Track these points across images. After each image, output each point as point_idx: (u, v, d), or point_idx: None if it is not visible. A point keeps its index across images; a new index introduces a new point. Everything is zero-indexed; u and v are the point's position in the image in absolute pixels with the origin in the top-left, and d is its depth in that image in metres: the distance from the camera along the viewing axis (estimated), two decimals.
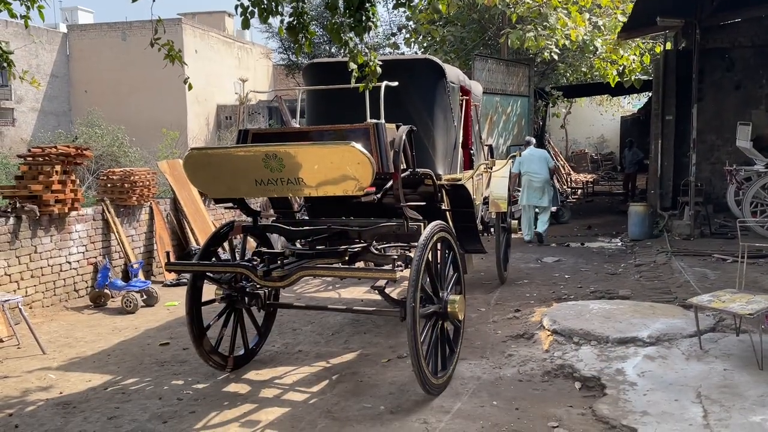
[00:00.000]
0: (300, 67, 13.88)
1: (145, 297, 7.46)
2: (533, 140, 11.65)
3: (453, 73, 6.16)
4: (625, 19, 12.65)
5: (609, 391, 4.43)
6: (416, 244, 5.46)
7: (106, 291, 7.59)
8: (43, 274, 7.32)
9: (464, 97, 6.55)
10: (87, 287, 7.88)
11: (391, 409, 4.52)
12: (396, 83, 4.96)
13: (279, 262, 4.65)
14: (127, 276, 8.19)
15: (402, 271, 4.45)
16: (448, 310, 4.69)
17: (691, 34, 12.74)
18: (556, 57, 12.82)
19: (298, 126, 5.25)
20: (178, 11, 30.80)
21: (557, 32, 12.43)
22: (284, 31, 5.02)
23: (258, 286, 5.33)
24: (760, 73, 12.81)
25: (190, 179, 4.76)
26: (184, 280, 8.68)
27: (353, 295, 7.87)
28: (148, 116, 29.50)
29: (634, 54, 13.37)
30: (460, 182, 5.76)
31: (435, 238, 4.59)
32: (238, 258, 5.30)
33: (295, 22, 5.00)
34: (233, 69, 34.47)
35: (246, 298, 5.22)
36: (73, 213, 7.66)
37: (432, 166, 5.59)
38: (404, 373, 5.19)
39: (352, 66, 4.70)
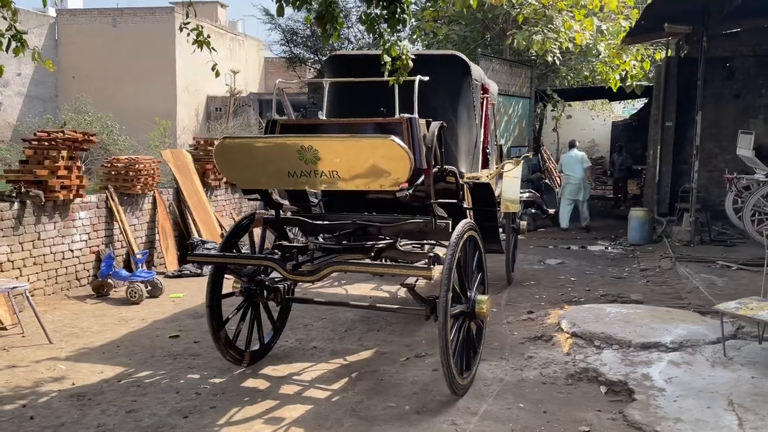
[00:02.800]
0: (302, 60, 13.85)
1: (149, 288, 7.30)
2: (576, 143, 12.94)
3: (476, 70, 6.10)
4: (628, 24, 12.68)
5: (638, 396, 4.39)
6: (434, 242, 5.45)
7: (109, 281, 7.43)
8: (45, 262, 7.14)
9: (484, 95, 6.49)
10: (89, 276, 7.71)
11: (416, 409, 4.45)
12: (427, 78, 4.87)
13: (308, 256, 4.55)
14: (128, 265, 8.04)
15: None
16: (476, 310, 4.62)
17: (696, 41, 12.85)
18: (558, 61, 12.80)
19: (324, 118, 5.14)
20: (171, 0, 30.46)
21: (561, 35, 12.40)
22: (312, 20, 4.92)
23: (276, 280, 5.25)
24: (760, 83, 12.91)
25: (219, 168, 4.64)
26: (187, 272, 8.56)
27: (359, 291, 7.78)
28: (137, 105, 29.07)
29: (636, 59, 13.39)
30: (484, 181, 5.69)
31: (465, 237, 4.52)
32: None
33: (324, 12, 4.91)
34: (225, 60, 34.09)
35: (265, 292, 5.12)
36: (77, 200, 7.49)
37: (455, 163, 5.52)
38: (425, 373, 5.13)
39: (386, 59, 4.61)
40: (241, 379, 5.02)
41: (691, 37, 12.93)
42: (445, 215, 4.94)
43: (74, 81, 31.29)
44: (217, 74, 4.95)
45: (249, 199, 5.39)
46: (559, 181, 14.93)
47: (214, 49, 4.97)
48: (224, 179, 10.15)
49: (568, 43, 12.46)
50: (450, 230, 4.69)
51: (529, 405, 4.49)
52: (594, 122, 27.26)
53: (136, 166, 8.17)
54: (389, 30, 4.53)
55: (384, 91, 5.06)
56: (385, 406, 4.51)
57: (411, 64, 4.74)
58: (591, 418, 4.26)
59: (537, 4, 12.04)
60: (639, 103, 22.03)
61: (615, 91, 13.00)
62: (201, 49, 4.93)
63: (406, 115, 4.50)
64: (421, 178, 4.51)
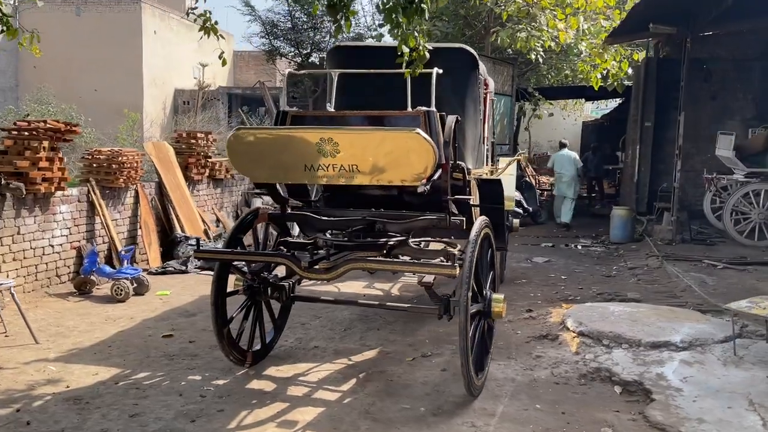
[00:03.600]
0: (281, 53, 13.58)
1: (135, 285, 7.02)
2: (567, 143, 13.54)
3: (482, 65, 5.99)
4: (609, 24, 12.76)
5: (656, 396, 4.34)
6: (441, 239, 5.34)
7: (92, 277, 7.11)
8: (25, 258, 6.80)
9: (487, 90, 6.40)
10: (70, 273, 7.39)
11: (432, 411, 4.32)
12: (441, 71, 4.74)
13: (324, 253, 4.38)
14: (110, 262, 7.73)
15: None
16: (492, 309, 4.52)
17: (675, 43, 13.01)
18: (541, 59, 12.81)
19: (332, 110, 4.96)
20: None
21: (544, 33, 12.40)
22: (325, 8, 4.74)
23: (280, 277, 5.07)
24: (736, 86, 13.11)
25: (231, 160, 4.44)
26: (171, 269, 8.30)
27: (352, 289, 7.62)
28: (102, 96, 28.24)
29: (615, 59, 13.47)
30: (495, 178, 5.59)
31: (482, 235, 4.41)
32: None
33: (335, 0, 4.74)
34: (193, 53, 33.46)
35: (269, 290, 4.93)
36: (59, 193, 7.16)
37: (462, 159, 5.40)
38: (434, 373, 5.01)
39: (404, 50, 4.46)
40: (246, 380, 4.82)
41: (670, 39, 13.09)
42: (456, 212, 4.83)
43: (36, 71, 30.26)
44: (224, 63, 4.76)
45: (257, 194, 5.19)
46: (537, 180, 15.01)
47: (222, 36, 4.75)
48: (207, 173, 9.87)
49: (551, 41, 12.48)
50: (464, 227, 4.58)
51: (545, 406, 4.41)
52: (565, 122, 27.54)
53: (120, 158, 7.86)
54: (407, 20, 4.37)
55: (393, 83, 4.93)
56: (399, 407, 4.38)
57: (427, 55, 4.61)
58: (611, 419, 4.20)
59: (521, 1, 12.01)
60: (613, 104, 22.24)
61: (597, 89, 13.06)
62: (208, 36, 4.70)
63: (424, 109, 4.37)
64: (438, 173, 4.38)
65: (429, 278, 4.31)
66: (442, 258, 4.57)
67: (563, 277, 8.53)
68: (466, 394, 4.56)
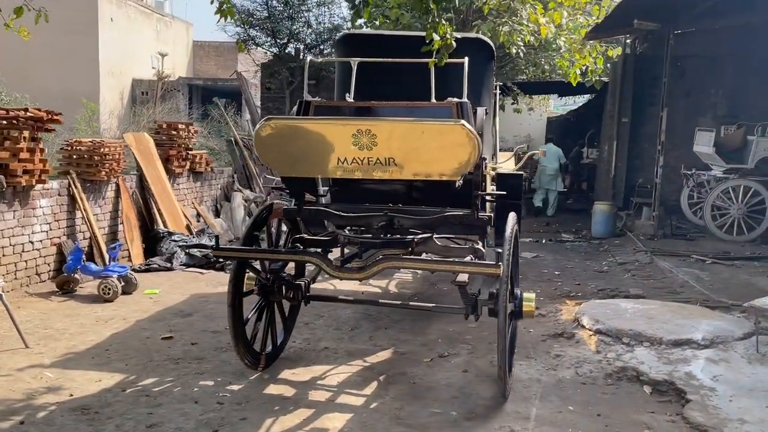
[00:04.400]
0: (256, 42, 13.19)
1: (123, 284, 6.65)
2: (552, 137, 14.40)
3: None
4: (586, 20, 12.78)
5: (692, 397, 4.26)
6: (460, 236, 5.18)
7: (76, 276, 6.71)
8: (4, 255, 6.38)
9: (496, 83, 6.25)
10: (50, 271, 6.97)
11: (465, 416, 4.15)
12: (466, 60, 4.57)
13: (354, 251, 4.16)
14: (91, 259, 7.32)
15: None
16: (524, 308, 4.37)
17: (654, 39, 13.14)
18: (521, 53, 12.73)
19: (352, 100, 4.72)
20: None
21: (524, 28, 12.33)
22: None
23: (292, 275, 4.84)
24: (708, 83, 13.30)
25: (258, 151, 4.14)
26: (155, 266, 7.95)
27: (348, 286, 7.38)
28: (57, 87, 27.02)
29: (591, 56, 13.51)
30: (516, 172, 5.45)
31: (515, 232, 4.26)
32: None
33: None
34: (151, 42, 32.48)
35: (284, 290, 4.69)
36: (39, 186, 6.74)
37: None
38: (455, 375, 4.84)
39: (435, 38, 4.26)
40: (261, 384, 4.57)
41: (648, 36, 13.22)
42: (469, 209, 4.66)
43: None
44: (241, 48, 4.47)
45: (273, 189, 4.91)
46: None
47: (235, 23, 4.45)
48: (187, 166, 9.49)
49: (530, 36, 12.41)
50: (492, 224, 4.43)
51: (578, 407, 4.29)
52: (530, 117, 27.73)
53: (102, 149, 7.45)
54: (437, 6, 4.17)
55: (409, 73, 4.73)
56: (429, 412, 4.19)
57: (454, 44, 4.42)
58: (648, 420, 4.09)
59: None
60: (581, 100, 22.43)
61: (575, 85, 13.07)
62: (225, 20, 4.41)
63: (455, 100, 4.18)
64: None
65: (463, 277, 4.13)
66: (471, 256, 4.39)
67: (557, 273, 8.48)
68: (493, 396, 4.43)
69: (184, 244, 8.19)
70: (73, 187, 7.20)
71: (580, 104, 22.60)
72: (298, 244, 4.67)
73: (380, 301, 5.33)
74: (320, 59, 5.36)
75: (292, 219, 4.96)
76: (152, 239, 8.38)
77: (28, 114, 6.38)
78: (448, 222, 4.57)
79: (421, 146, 3.74)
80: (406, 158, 3.80)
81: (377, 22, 14.13)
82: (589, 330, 5.49)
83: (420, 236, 4.47)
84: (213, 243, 8.61)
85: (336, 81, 5.45)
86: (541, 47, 13.71)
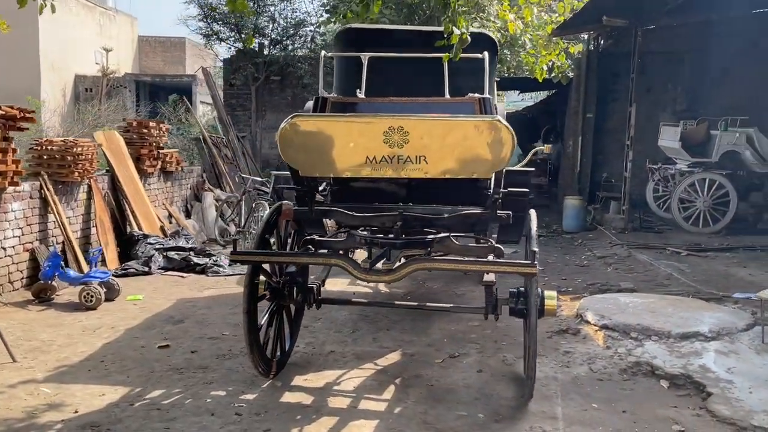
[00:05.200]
0: (220, 37, 12.82)
1: (105, 290, 6.33)
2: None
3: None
4: (549, 17, 12.91)
5: (712, 390, 4.29)
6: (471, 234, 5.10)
7: (53, 283, 6.35)
8: None
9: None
10: (23, 278, 6.57)
11: (492, 417, 4.08)
12: (480, 56, 4.49)
13: (384, 252, 4.02)
14: (66, 265, 6.94)
15: None
16: (546, 306, 4.32)
17: (617, 36, 13.38)
18: None
19: (363, 96, 4.57)
20: None
21: (492, 25, 12.36)
22: None
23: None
24: (667, 78, 13.64)
25: (283, 151, 3.93)
26: (132, 270, 7.62)
27: (336, 287, 7.21)
28: None
29: (556, 52, 13.67)
30: (524, 169, 5.39)
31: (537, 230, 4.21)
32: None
33: None
34: (94, 36, 31.31)
35: (295, 293, 4.52)
36: (10, 188, 6.34)
37: None
38: (471, 375, 4.77)
39: (456, 31, 4.16)
40: (275, 393, 4.39)
41: (612, 32, 13.44)
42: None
43: None
44: (251, 42, 4.25)
45: (286, 188, 4.72)
46: None
47: (246, 13, 4.25)
48: (159, 166, 9.13)
49: (497, 33, 12.45)
50: (510, 221, 4.37)
51: (602, 405, 4.27)
52: None
53: (75, 149, 7.06)
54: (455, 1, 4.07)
55: (417, 68, 4.62)
56: (456, 415, 4.10)
57: (469, 39, 4.33)
58: (674, 415, 4.10)
59: None
60: (539, 96, 22.72)
61: (541, 81, 13.20)
62: (237, 12, 4.19)
63: (478, 95, 4.09)
64: None
65: (491, 277, 4.04)
66: (492, 255, 4.32)
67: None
68: (514, 395, 4.39)
69: (161, 246, 7.87)
70: (45, 189, 6.81)
71: (537, 101, 22.89)
72: (310, 246, 4.50)
73: (396, 302, 5.20)
74: (330, 54, 5.09)
75: (298, 220, 4.78)
76: (126, 242, 8.02)
77: (1, 112, 5.98)
78: (465, 221, 4.48)
79: (454, 143, 3.63)
80: (438, 156, 3.68)
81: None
82: (595, 325, 5.50)
83: (439, 236, 4.37)
84: (190, 245, 8.31)
85: (336, 77, 5.28)
86: (507, 44, 13.78)
